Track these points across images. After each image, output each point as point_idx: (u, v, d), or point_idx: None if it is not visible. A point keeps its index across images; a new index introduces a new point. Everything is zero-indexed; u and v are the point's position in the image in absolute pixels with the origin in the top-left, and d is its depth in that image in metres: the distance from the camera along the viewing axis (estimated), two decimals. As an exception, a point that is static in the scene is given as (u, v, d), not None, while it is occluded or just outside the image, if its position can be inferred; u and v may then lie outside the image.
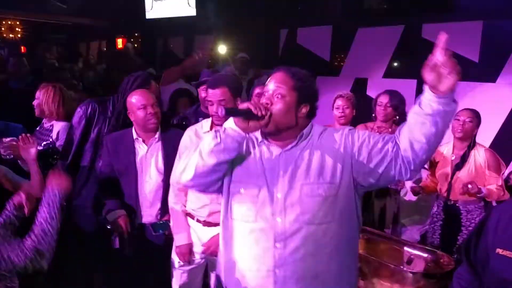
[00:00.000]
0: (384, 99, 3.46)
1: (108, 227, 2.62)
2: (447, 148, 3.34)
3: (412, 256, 2.61)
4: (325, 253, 1.61)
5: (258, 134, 1.71)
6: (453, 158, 3.28)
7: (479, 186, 3.05)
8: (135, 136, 2.73)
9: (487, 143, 4.12)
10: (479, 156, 3.18)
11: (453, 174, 3.24)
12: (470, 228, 3.16)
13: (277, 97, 1.60)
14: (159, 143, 2.72)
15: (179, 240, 2.50)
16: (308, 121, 1.69)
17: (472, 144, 3.21)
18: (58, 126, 3.26)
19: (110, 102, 3.06)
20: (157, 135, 2.72)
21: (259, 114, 1.54)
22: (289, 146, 1.66)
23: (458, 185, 3.18)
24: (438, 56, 1.34)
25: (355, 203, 1.66)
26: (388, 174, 1.54)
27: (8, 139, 2.47)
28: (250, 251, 1.65)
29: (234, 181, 1.69)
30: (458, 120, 3.21)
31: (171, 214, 2.58)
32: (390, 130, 3.47)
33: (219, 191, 1.73)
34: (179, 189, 2.51)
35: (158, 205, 2.70)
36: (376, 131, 3.47)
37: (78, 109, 3.06)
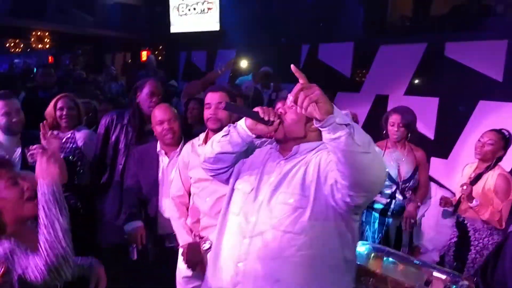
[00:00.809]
0: (396, 119, 3.33)
1: (125, 237, 2.66)
2: (472, 167, 3.31)
3: (430, 278, 2.57)
4: (290, 261, 1.62)
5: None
6: (471, 176, 3.24)
7: (473, 196, 3.04)
8: (158, 148, 2.80)
9: (509, 166, 4.05)
10: (491, 179, 3.13)
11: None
12: (478, 248, 3.13)
13: (292, 108, 1.71)
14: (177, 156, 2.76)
15: (182, 241, 2.47)
16: (320, 138, 1.70)
17: (491, 166, 3.16)
18: (81, 134, 3.34)
19: (128, 111, 3.21)
20: (178, 148, 2.76)
21: (266, 118, 1.66)
22: (287, 156, 1.75)
23: (464, 201, 3.17)
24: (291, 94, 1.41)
25: (334, 223, 1.63)
26: (335, 196, 1.55)
27: (34, 146, 2.55)
28: (229, 241, 1.76)
29: (239, 178, 1.84)
30: (480, 141, 3.18)
31: (173, 225, 2.57)
32: (404, 149, 3.43)
33: (227, 182, 1.88)
34: (180, 202, 2.54)
35: None
36: (389, 150, 3.42)
37: (101, 120, 3.26)
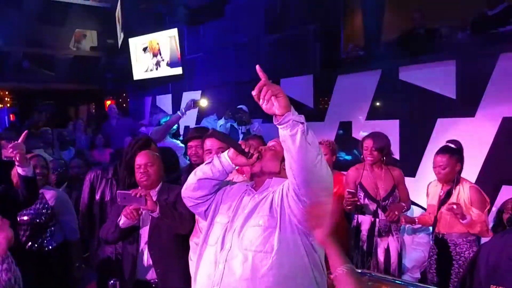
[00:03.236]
0: (368, 144, 3.56)
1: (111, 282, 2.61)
2: (438, 185, 3.42)
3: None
4: (262, 281, 1.68)
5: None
6: (441, 193, 3.36)
7: (464, 213, 3.10)
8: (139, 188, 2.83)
9: (473, 177, 4.22)
10: (464, 192, 3.26)
11: (438, 208, 3.33)
12: (460, 262, 3.20)
13: (271, 148, 1.95)
14: (157, 196, 2.79)
15: None
16: None
17: (456, 180, 3.30)
18: (51, 194, 3.32)
19: (112, 165, 3.28)
20: (156, 190, 2.83)
21: (246, 150, 1.84)
22: (260, 189, 1.91)
23: (443, 219, 3.27)
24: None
25: (301, 241, 1.74)
26: (291, 207, 1.72)
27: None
28: (205, 269, 1.84)
29: (218, 213, 1.95)
30: (435, 167, 3.32)
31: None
32: (381, 170, 3.59)
33: (205, 217, 2.00)
34: (196, 243, 2.56)
35: (150, 262, 2.72)
36: (368, 172, 3.59)
37: (86, 177, 3.39)
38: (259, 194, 1.88)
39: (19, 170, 2.85)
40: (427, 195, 3.57)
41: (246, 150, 1.85)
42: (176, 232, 2.69)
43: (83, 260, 3.53)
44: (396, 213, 3.46)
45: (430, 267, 3.41)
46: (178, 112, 5.26)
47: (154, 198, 2.74)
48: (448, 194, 3.31)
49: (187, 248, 2.70)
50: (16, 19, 8.90)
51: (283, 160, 1.86)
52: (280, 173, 1.90)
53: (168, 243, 2.71)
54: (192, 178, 1.95)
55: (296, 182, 1.64)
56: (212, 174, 1.90)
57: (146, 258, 2.73)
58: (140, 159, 2.85)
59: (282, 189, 1.80)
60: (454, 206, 3.11)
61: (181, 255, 2.65)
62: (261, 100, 1.56)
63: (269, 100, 1.54)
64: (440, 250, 3.33)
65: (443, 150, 3.33)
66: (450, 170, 3.28)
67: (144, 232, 2.76)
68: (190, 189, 1.96)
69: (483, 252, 1.68)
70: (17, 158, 2.79)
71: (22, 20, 8.99)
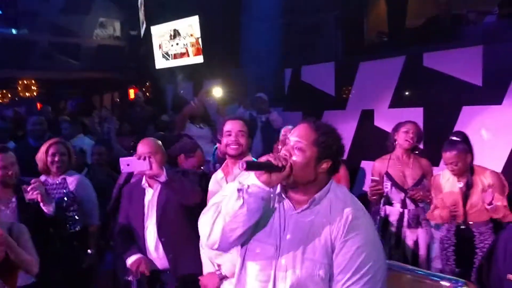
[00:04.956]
0: (410, 127, 3.54)
1: (128, 278, 2.65)
2: (450, 176, 3.32)
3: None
4: None
5: (278, 188, 1.64)
6: (460, 185, 3.27)
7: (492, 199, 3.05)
8: (143, 181, 2.80)
9: (500, 164, 4.12)
10: (485, 180, 3.19)
11: (465, 200, 3.24)
12: (485, 249, 3.12)
13: (297, 150, 1.55)
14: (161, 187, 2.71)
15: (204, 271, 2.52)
16: (329, 178, 1.61)
17: (472, 172, 3.22)
18: (72, 179, 3.37)
19: None
20: (161, 179, 2.62)
21: (279, 164, 1.49)
22: (300, 209, 1.58)
23: (474, 208, 3.19)
24: None
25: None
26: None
27: (33, 180, 2.80)
28: None
29: (253, 238, 1.63)
30: (447, 164, 3.25)
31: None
32: (409, 159, 3.56)
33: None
34: None
35: (160, 250, 2.70)
36: (394, 161, 3.56)
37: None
38: (300, 215, 1.58)
39: (44, 209, 2.88)
40: (435, 187, 3.43)
41: (280, 164, 1.50)
42: (185, 204, 2.59)
43: (97, 248, 3.55)
44: (421, 193, 3.43)
45: (448, 259, 3.33)
46: (192, 102, 5.37)
47: (160, 186, 2.69)
48: (468, 185, 3.23)
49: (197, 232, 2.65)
50: (42, 8, 9.07)
51: (317, 163, 1.55)
52: (317, 179, 1.57)
53: (178, 226, 2.67)
54: (227, 229, 1.54)
55: None
56: (255, 219, 1.53)
57: (155, 247, 2.70)
58: (141, 148, 2.71)
59: (336, 234, 1.52)
60: (490, 190, 3.05)
61: (192, 239, 2.46)
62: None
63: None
64: (462, 240, 3.26)
65: (450, 146, 3.23)
66: (463, 163, 3.19)
67: (151, 222, 2.73)
68: (227, 242, 1.57)
69: (500, 243, 1.64)
70: (39, 199, 2.82)
71: (48, 9, 9.16)
